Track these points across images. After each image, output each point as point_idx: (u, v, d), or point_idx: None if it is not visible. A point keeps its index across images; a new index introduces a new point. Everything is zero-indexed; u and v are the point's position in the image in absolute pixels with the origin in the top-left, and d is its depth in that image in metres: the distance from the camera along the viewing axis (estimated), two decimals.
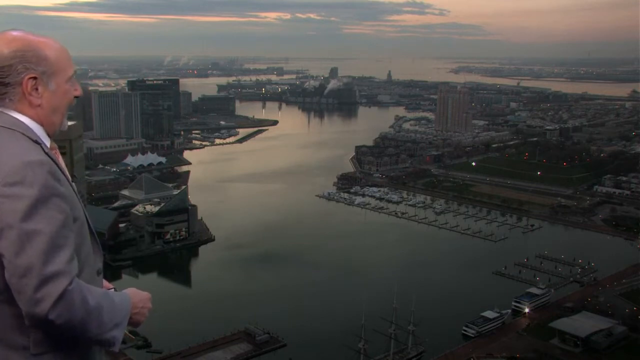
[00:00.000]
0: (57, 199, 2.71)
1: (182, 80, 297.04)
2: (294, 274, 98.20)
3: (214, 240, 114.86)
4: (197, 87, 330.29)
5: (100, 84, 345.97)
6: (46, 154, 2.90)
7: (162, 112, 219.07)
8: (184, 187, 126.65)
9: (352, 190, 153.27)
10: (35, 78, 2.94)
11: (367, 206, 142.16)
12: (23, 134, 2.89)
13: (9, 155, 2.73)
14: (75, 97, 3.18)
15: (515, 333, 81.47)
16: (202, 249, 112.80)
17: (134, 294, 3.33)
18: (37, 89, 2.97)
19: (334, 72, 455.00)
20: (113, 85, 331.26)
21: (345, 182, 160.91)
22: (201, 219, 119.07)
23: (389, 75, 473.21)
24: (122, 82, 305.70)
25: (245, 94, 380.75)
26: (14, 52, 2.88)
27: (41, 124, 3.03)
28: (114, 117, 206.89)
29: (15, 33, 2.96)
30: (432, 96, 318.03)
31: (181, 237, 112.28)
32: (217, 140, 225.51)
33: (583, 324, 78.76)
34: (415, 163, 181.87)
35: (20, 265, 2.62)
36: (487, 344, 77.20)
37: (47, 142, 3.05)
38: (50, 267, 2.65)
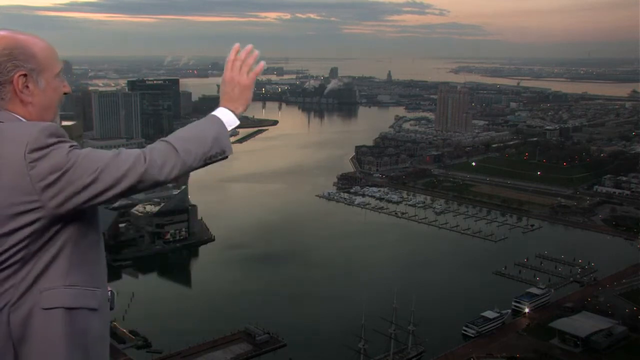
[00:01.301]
0: (79, 147, 2.83)
1: (182, 80, 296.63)
2: (294, 274, 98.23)
3: (214, 240, 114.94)
4: (197, 87, 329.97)
5: (100, 84, 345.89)
6: None
7: (162, 112, 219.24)
8: (183, 187, 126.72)
9: (352, 190, 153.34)
10: (25, 75, 2.93)
11: (367, 206, 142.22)
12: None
13: (23, 129, 2.78)
14: (65, 93, 3.18)
15: (515, 333, 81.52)
16: (202, 249, 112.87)
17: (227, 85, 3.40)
18: (27, 87, 2.96)
19: (334, 72, 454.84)
20: (113, 85, 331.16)
21: (345, 182, 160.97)
22: (201, 219, 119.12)
23: (389, 75, 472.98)
24: (122, 82, 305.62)
25: None
26: (1, 50, 2.88)
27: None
28: (114, 117, 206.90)
29: (0, 33, 2.97)
30: (432, 96, 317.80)
31: (181, 237, 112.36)
32: None
33: (583, 324, 78.80)
34: (415, 163, 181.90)
35: (86, 180, 2.72)
36: (487, 344, 77.25)
37: None
38: (109, 153, 2.80)
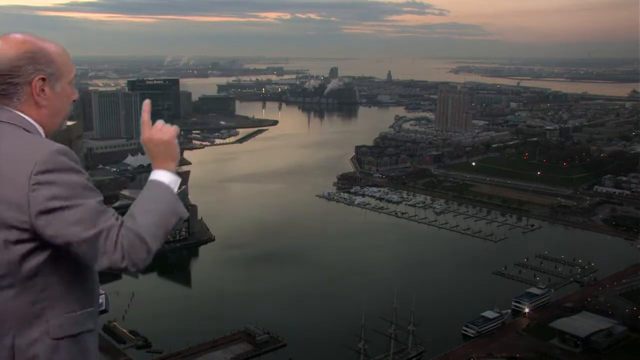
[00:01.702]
0: (88, 179, 2.86)
1: (182, 80, 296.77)
2: (294, 274, 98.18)
3: (214, 240, 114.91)
4: (197, 87, 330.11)
5: (100, 84, 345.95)
6: None
7: (162, 112, 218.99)
8: (183, 187, 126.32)
9: (352, 190, 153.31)
10: (44, 79, 3.00)
11: (367, 206, 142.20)
12: (28, 131, 2.96)
13: (35, 146, 2.81)
14: (74, 100, 3.25)
15: (515, 333, 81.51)
16: (202, 249, 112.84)
17: (153, 149, 3.33)
18: (44, 90, 3.03)
19: (334, 72, 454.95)
20: (113, 85, 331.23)
21: (345, 182, 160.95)
22: (201, 219, 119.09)
23: (389, 75, 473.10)
24: (122, 82, 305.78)
25: (245, 94, 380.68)
26: (23, 53, 2.95)
27: (42, 125, 3.08)
28: (114, 117, 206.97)
29: (21, 35, 3.02)
30: (432, 96, 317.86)
31: (181, 237, 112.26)
32: (217, 140, 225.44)
33: (583, 324, 78.79)
34: (415, 163, 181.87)
35: (77, 237, 2.74)
36: (487, 344, 77.24)
37: None
38: (103, 225, 2.79)
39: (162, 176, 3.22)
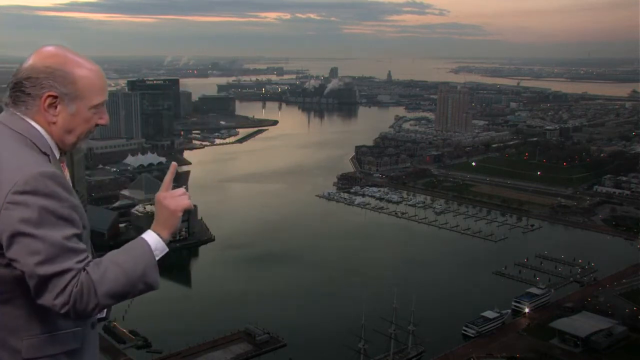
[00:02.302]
0: (68, 209, 2.77)
1: (182, 80, 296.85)
2: (294, 274, 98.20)
3: (214, 240, 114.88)
4: (197, 87, 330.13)
5: None
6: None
7: (162, 112, 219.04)
8: (184, 187, 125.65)
9: (352, 190, 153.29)
10: (55, 97, 2.98)
11: (367, 206, 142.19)
12: (34, 143, 2.93)
13: (21, 164, 2.76)
14: (99, 124, 3.26)
15: (515, 333, 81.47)
16: (202, 249, 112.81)
17: (160, 214, 3.26)
18: (55, 107, 3.01)
19: (334, 72, 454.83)
20: (113, 85, 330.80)
21: (345, 182, 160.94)
22: (201, 219, 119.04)
23: (389, 75, 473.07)
24: (122, 82, 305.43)
25: (245, 94, 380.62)
26: (45, 67, 2.94)
27: (54, 138, 3.07)
28: (114, 117, 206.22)
29: (54, 49, 3.01)
30: (432, 96, 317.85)
31: (181, 237, 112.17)
32: (217, 140, 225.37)
33: (583, 324, 78.77)
34: (415, 163, 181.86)
35: (30, 269, 2.68)
36: (487, 344, 77.22)
37: (57, 153, 3.09)
38: (59, 266, 2.70)
39: (151, 238, 3.15)
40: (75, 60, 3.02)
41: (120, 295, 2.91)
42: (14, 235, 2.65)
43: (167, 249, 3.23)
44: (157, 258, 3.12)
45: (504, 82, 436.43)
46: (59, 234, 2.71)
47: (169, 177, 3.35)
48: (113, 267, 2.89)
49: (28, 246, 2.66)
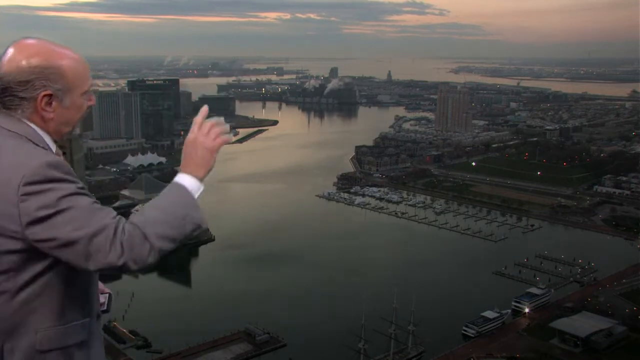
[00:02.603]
0: (82, 187, 2.80)
1: (182, 80, 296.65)
2: (294, 274, 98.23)
3: (214, 240, 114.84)
4: (197, 87, 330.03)
5: (100, 84, 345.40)
6: None
7: (162, 112, 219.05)
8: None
9: (352, 190, 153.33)
10: (50, 95, 2.95)
11: (367, 206, 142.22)
12: (30, 140, 2.92)
13: (26, 157, 2.77)
14: (89, 106, 3.20)
15: (515, 333, 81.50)
16: (202, 249, 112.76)
17: (191, 149, 3.21)
18: (50, 104, 2.99)
19: (334, 72, 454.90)
20: (113, 85, 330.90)
21: (345, 182, 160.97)
22: None
23: (389, 75, 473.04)
24: (122, 82, 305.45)
25: (245, 94, 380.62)
26: (34, 67, 2.89)
27: (49, 133, 3.06)
28: (114, 117, 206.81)
29: (36, 44, 2.95)
30: (432, 96, 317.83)
31: None
32: None
33: (583, 324, 78.78)
34: (415, 163, 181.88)
35: (69, 238, 2.68)
36: (487, 344, 77.24)
37: (53, 148, 3.08)
38: (97, 223, 2.71)
39: (186, 180, 3.14)
40: (59, 52, 2.97)
41: (171, 238, 2.91)
42: (40, 221, 2.67)
43: (203, 187, 3.21)
44: (196, 197, 3.12)
45: (504, 82, 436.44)
46: (83, 201, 2.74)
47: (200, 117, 3.26)
48: (154, 211, 2.91)
49: (57, 222, 2.67)
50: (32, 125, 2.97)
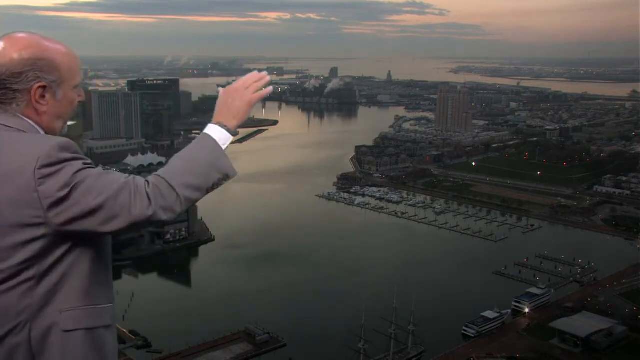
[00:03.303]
0: (90, 165, 2.82)
1: (182, 80, 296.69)
2: (294, 273, 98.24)
3: (214, 240, 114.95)
4: (197, 87, 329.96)
5: (100, 84, 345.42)
6: None
7: (162, 112, 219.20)
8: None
9: (352, 190, 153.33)
10: (44, 87, 2.96)
11: (367, 206, 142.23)
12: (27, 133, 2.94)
13: (36, 143, 2.78)
14: (80, 102, 3.21)
15: (515, 333, 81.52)
16: (202, 249, 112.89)
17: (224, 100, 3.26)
18: (44, 97, 2.99)
19: (334, 72, 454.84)
20: (113, 85, 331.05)
21: (345, 182, 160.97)
22: (201, 219, 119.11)
23: (389, 75, 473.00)
24: (122, 82, 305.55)
25: None
26: (26, 59, 2.89)
27: (43, 128, 3.05)
28: (114, 117, 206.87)
29: (27, 37, 2.95)
30: (432, 96, 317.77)
31: (181, 237, 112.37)
32: None
33: (583, 324, 78.79)
34: (415, 163, 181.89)
35: (92, 206, 2.69)
36: (487, 344, 77.26)
37: None
38: (115, 184, 2.73)
39: (213, 130, 3.15)
40: (50, 45, 2.97)
41: (196, 186, 2.90)
42: (61, 201, 2.68)
43: (232, 137, 3.19)
44: (224, 147, 3.10)
45: (504, 82, 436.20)
46: (95, 171, 2.77)
47: (253, 76, 3.34)
48: (178, 161, 2.92)
49: (77, 196, 2.68)
50: (28, 120, 2.97)
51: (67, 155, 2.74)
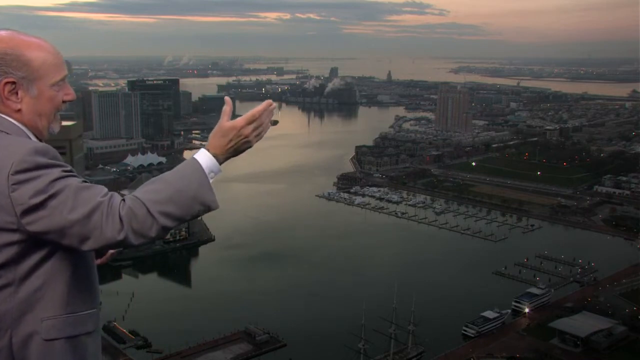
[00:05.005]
0: (70, 170, 2.76)
1: (182, 80, 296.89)
2: (294, 274, 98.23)
3: (214, 240, 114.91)
4: (197, 87, 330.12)
5: (100, 84, 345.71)
6: None
7: (162, 112, 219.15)
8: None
9: (352, 190, 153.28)
10: (13, 83, 2.89)
11: (367, 206, 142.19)
12: (8, 133, 2.87)
13: (11, 147, 2.71)
14: (66, 101, 3.11)
15: (515, 333, 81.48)
16: (202, 249, 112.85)
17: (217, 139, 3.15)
18: (16, 94, 2.92)
19: (334, 72, 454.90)
20: (113, 85, 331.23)
21: (345, 182, 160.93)
22: (201, 219, 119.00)
23: (389, 75, 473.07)
24: (122, 82, 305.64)
25: (245, 94, 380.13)
26: None
27: (27, 126, 2.99)
28: (114, 117, 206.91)
29: (2, 33, 2.90)
30: (432, 96, 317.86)
31: (181, 237, 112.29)
32: None
33: (583, 324, 78.76)
34: (415, 163, 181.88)
35: (65, 220, 2.63)
36: (487, 344, 77.22)
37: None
38: (92, 201, 2.66)
39: (202, 157, 3.03)
40: (24, 40, 2.91)
41: (177, 217, 2.79)
42: (34, 209, 2.62)
43: (221, 171, 3.10)
44: (211, 180, 2.99)
45: (504, 82, 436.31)
46: (73, 182, 2.68)
47: (227, 108, 3.25)
48: (164, 186, 2.81)
49: (52, 207, 2.62)
50: (7, 117, 2.92)
51: (43, 160, 2.67)
